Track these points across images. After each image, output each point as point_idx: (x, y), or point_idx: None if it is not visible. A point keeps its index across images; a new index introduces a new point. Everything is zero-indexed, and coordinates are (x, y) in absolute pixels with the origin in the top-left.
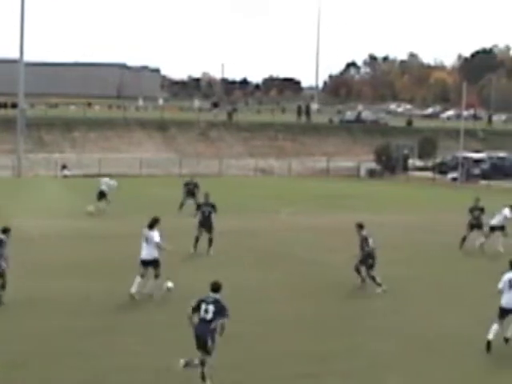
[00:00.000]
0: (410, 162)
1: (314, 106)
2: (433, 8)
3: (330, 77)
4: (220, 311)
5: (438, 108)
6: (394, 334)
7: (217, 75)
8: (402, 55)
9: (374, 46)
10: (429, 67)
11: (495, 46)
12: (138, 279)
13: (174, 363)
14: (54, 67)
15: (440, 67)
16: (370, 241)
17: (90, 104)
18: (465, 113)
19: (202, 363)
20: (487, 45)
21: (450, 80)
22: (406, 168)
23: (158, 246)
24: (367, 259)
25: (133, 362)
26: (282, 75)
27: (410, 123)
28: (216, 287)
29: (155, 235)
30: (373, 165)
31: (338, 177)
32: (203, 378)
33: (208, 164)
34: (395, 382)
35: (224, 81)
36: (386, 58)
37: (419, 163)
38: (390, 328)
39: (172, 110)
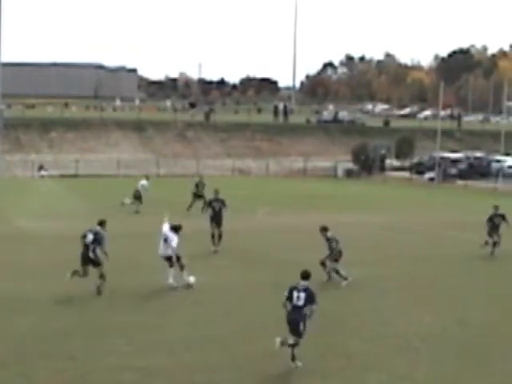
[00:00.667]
0: (387, 162)
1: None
2: (409, 8)
3: (307, 77)
4: (310, 298)
5: (415, 108)
6: (372, 334)
7: (194, 75)
8: (379, 55)
9: (351, 46)
10: (406, 67)
11: (472, 46)
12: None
13: (271, 342)
14: (31, 67)
15: (417, 67)
16: (334, 244)
17: (67, 104)
18: (442, 113)
19: (294, 345)
20: (464, 45)
21: (427, 80)
22: (383, 168)
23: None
24: (338, 257)
25: (115, 362)
26: (259, 75)
27: (387, 123)
28: (306, 275)
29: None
30: (350, 165)
31: (315, 177)
32: (293, 358)
33: (185, 164)
34: (374, 382)
35: (201, 81)
36: (362, 58)
37: (396, 163)
38: (368, 328)
39: (150, 111)
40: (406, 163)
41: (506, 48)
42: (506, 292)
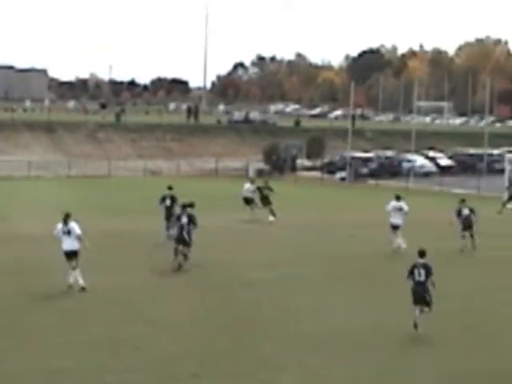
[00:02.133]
0: (299, 161)
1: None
2: (319, 8)
3: (218, 77)
4: (429, 272)
5: (325, 108)
6: (285, 334)
7: (105, 76)
8: (290, 55)
9: (262, 46)
10: (316, 67)
11: (382, 45)
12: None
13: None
14: None
15: (328, 67)
16: None
17: None
18: (353, 113)
19: (421, 311)
20: (374, 45)
21: (338, 80)
22: (294, 168)
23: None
24: None
25: (25, 364)
26: (170, 76)
27: (298, 123)
28: (423, 253)
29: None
30: (261, 165)
31: (226, 177)
32: (415, 326)
33: (97, 165)
34: (288, 383)
35: (112, 82)
36: (273, 59)
37: (307, 163)
38: (281, 328)
39: (60, 112)
40: (317, 163)
41: (416, 48)
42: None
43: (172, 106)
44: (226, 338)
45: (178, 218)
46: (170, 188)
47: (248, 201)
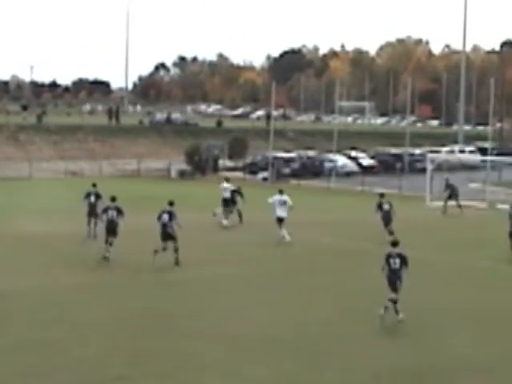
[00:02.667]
0: (221, 162)
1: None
2: (241, 9)
3: (140, 78)
4: (404, 261)
5: (247, 108)
6: (208, 334)
7: (26, 78)
8: (212, 56)
9: (183, 46)
10: (238, 68)
11: (304, 46)
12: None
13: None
14: None
15: (249, 67)
16: None
17: None
18: (274, 113)
19: (395, 302)
20: (296, 45)
21: (260, 80)
22: (216, 168)
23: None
24: None
25: None
26: (92, 77)
27: (219, 124)
28: (395, 243)
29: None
30: (183, 166)
31: (148, 178)
32: (397, 311)
33: (18, 167)
34: (211, 383)
35: (33, 83)
36: (195, 59)
37: (230, 163)
38: (204, 328)
39: None
40: (240, 163)
41: (337, 48)
42: (346, 290)
43: (87, 107)
44: (150, 338)
45: (160, 217)
46: (94, 185)
47: (227, 202)
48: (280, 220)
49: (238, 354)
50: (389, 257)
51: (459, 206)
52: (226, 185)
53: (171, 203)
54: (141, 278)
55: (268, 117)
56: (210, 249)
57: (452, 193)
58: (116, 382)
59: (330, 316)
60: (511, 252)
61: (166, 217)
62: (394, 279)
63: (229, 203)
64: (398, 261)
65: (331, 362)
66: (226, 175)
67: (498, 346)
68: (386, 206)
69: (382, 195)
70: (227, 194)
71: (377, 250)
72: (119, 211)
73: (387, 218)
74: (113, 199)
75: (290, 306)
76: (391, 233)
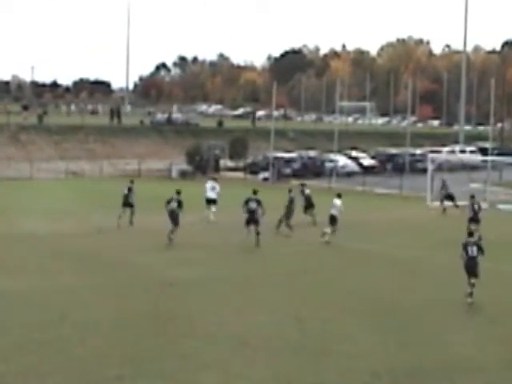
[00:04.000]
0: (222, 162)
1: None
2: (241, 9)
3: (141, 78)
4: (480, 249)
5: (248, 108)
6: (206, 334)
7: (27, 78)
8: (212, 56)
9: (184, 46)
10: (239, 68)
11: (304, 46)
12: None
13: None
14: None
15: (250, 68)
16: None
17: None
18: (275, 113)
19: (473, 285)
20: (297, 45)
21: (260, 80)
22: (217, 168)
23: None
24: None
25: None
26: (93, 77)
27: (220, 124)
28: (471, 233)
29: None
30: (184, 166)
31: (149, 178)
32: (471, 294)
33: (19, 167)
34: (210, 382)
35: (34, 83)
36: (195, 59)
37: (230, 163)
38: (202, 328)
39: None
40: (241, 163)
41: (338, 48)
42: (346, 289)
43: (88, 107)
44: (148, 338)
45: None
46: (178, 192)
47: (210, 202)
48: (210, 201)
49: (238, 354)
50: (466, 245)
51: (457, 206)
52: (210, 184)
53: (179, 192)
54: (142, 277)
55: (253, 116)
56: (210, 249)
57: (447, 193)
58: (115, 382)
59: (329, 315)
60: None
61: (174, 204)
62: (472, 265)
63: (212, 203)
64: (475, 249)
65: (331, 361)
66: (213, 176)
67: (498, 345)
68: (306, 191)
69: (302, 185)
70: (211, 195)
71: (377, 249)
72: (179, 203)
73: (308, 203)
74: (178, 192)
75: (290, 306)
76: (258, 233)
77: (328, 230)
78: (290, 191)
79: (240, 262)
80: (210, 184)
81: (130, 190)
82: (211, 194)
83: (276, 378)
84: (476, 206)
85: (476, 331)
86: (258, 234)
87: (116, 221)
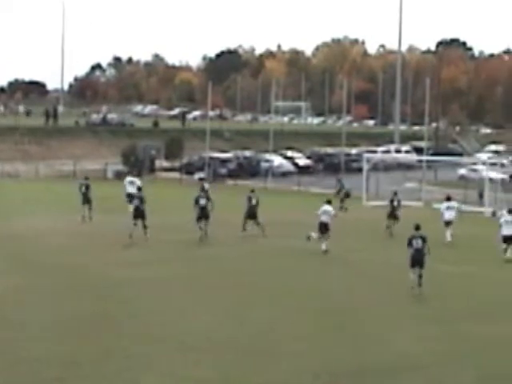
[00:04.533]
0: (157, 162)
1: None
2: (176, 8)
3: (76, 79)
4: (425, 241)
5: (184, 109)
6: (151, 335)
7: None
8: (147, 56)
9: (119, 47)
10: (174, 68)
11: (240, 46)
12: None
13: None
14: None
15: (185, 68)
16: None
17: None
18: (211, 113)
19: (421, 276)
20: (232, 45)
21: (196, 80)
22: (153, 169)
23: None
24: None
25: None
26: (28, 78)
27: (156, 124)
28: (418, 227)
29: None
30: (120, 166)
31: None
32: (420, 284)
33: None
34: (151, 383)
35: None
36: (130, 60)
37: (166, 164)
38: (146, 329)
39: None
40: (176, 164)
41: (274, 48)
42: (286, 289)
43: (21, 108)
44: (90, 339)
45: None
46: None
47: (131, 196)
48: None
49: (181, 355)
50: (412, 239)
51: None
52: (130, 179)
53: (139, 188)
54: (84, 278)
55: (183, 116)
56: (152, 249)
57: (342, 191)
58: (56, 382)
59: (271, 316)
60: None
61: (203, 200)
62: (418, 257)
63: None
64: (420, 241)
65: (276, 362)
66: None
67: (439, 342)
68: (253, 201)
69: (252, 191)
70: (131, 189)
71: (314, 248)
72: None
73: (251, 212)
74: (139, 189)
75: (236, 307)
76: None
77: (314, 234)
78: (252, 191)
79: (184, 262)
80: (128, 179)
81: (87, 187)
82: (131, 189)
83: (221, 378)
84: (395, 203)
85: (417, 329)
86: (206, 233)
87: (80, 219)
